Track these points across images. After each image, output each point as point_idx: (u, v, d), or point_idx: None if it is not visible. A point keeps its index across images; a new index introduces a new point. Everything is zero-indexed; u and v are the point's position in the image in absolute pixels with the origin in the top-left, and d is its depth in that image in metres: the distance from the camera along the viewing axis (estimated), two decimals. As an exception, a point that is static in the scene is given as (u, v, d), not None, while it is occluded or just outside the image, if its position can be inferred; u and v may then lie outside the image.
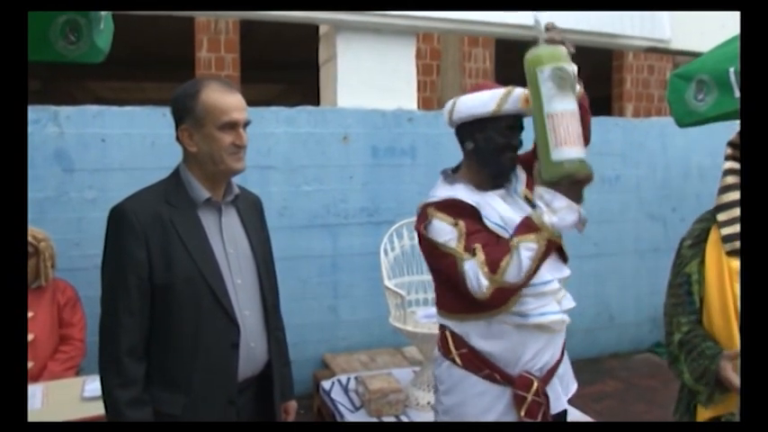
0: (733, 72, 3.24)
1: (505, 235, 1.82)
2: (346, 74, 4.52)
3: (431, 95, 6.48)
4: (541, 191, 1.75)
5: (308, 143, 4.28)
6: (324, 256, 4.36)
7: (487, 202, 1.88)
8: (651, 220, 5.31)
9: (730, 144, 2.00)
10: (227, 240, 1.77)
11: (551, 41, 1.79)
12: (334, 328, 4.44)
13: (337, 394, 3.79)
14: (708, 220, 2.02)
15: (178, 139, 1.74)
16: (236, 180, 1.85)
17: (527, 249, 1.73)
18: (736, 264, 1.89)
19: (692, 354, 1.84)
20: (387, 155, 4.47)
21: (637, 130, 5.38)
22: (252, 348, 1.77)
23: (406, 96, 4.61)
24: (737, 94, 3.18)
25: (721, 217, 1.96)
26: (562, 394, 1.97)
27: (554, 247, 1.80)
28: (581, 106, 1.78)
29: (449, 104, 1.95)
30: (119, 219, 1.67)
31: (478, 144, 1.90)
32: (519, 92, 1.87)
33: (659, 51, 5.50)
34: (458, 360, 1.90)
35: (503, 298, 1.78)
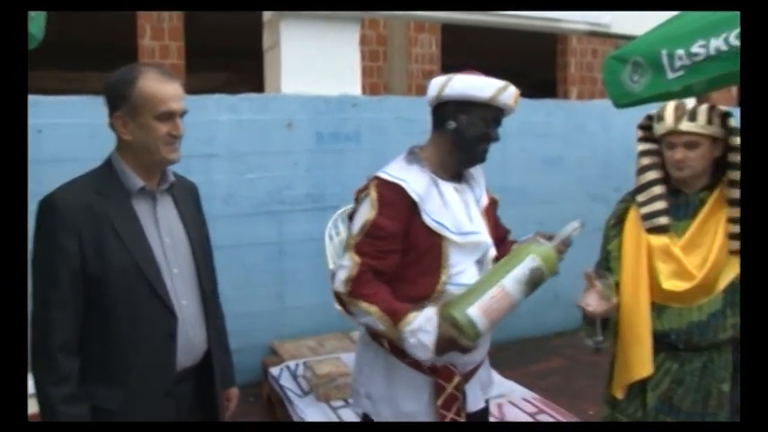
0: (665, 54, 3.30)
1: (443, 233, 1.82)
2: (290, 60, 4.51)
3: (378, 81, 6.48)
4: (431, 313, 1.73)
5: (251, 130, 4.26)
6: (269, 243, 4.35)
7: (439, 192, 1.87)
8: (593, 200, 5.42)
9: (641, 127, 2.13)
10: (163, 229, 1.74)
11: (558, 251, 1.83)
12: (282, 315, 4.45)
13: (286, 380, 3.81)
14: (628, 201, 2.14)
15: (111, 126, 1.70)
16: (178, 168, 1.82)
17: (374, 323, 1.77)
18: (654, 241, 2.01)
19: None
20: (331, 140, 4.48)
21: (578, 112, 5.49)
22: (190, 338, 1.76)
23: (350, 82, 4.62)
24: (669, 75, 3.24)
25: (640, 197, 2.08)
26: (481, 395, 2.01)
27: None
28: None
29: (442, 79, 1.91)
30: (48, 210, 1.63)
31: (460, 125, 1.87)
32: (512, 89, 1.89)
33: (599, 35, 5.61)
34: (385, 344, 1.90)
35: (341, 306, 1.86)
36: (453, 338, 1.66)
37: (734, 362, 2.05)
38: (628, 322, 2.06)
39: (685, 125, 1.97)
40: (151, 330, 1.67)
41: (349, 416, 3.30)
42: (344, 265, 1.80)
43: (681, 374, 2.04)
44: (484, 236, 1.91)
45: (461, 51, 8.38)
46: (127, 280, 1.63)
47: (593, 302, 1.89)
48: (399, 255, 1.82)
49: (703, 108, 2.00)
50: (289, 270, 4.39)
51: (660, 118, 2.05)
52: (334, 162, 4.47)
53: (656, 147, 2.10)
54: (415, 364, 1.87)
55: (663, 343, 2.04)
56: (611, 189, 5.50)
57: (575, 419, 3.41)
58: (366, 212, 1.82)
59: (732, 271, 2.00)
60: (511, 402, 3.60)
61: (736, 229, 1.97)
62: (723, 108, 2.02)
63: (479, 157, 1.93)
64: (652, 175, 2.08)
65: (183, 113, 1.71)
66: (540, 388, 4.22)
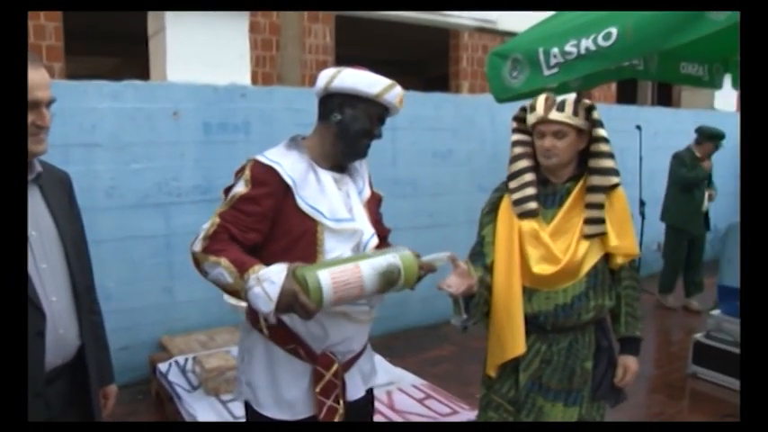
0: (542, 52, 3.48)
1: (318, 219, 1.83)
2: (176, 47, 4.39)
3: (270, 71, 6.42)
4: (282, 267, 1.67)
5: (136, 119, 4.12)
6: (157, 236, 4.24)
7: (316, 179, 1.88)
8: (482, 191, 5.53)
9: (515, 118, 2.25)
10: (30, 222, 1.65)
11: (420, 267, 1.83)
12: (171, 310, 4.35)
13: (174, 376, 3.73)
14: (502, 189, 2.27)
15: None
16: (56, 157, 1.74)
17: (222, 275, 1.72)
18: (525, 226, 2.15)
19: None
20: (219, 131, 4.39)
21: (467, 106, 5.65)
22: (61, 335, 1.69)
23: (239, 71, 4.56)
24: (545, 72, 3.43)
25: (512, 184, 2.21)
26: (362, 385, 2.03)
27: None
28: None
29: (331, 71, 1.91)
30: None
31: (345, 118, 1.90)
32: (399, 90, 1.92)
33: (486, 31, 5.79)
34: (265, 331, 1.91)
35: (197, 267, 1.82)
36: (297, 294, 1.61)
37: (596, 340, 2.23)
38: (501, 303, 2.18)
39: (554, 115, 2.10)
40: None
41: (239, 409, 3.28)
42: (204, 227, 1.81)
43: (549, 354, 2.18)
44: (362, 225, 1.92)
45: (355, 42, 8.43)
46: None
47: (455, 282, 1.96)
48: (261, 236, 1.82)
49: (570, 100, 2.12)
50: (178, 263, 4.27)
51: (532, 108, 2.16)
52: (223, 153, 4.38)
53: (528, 138, 2.22)
54: (295, 351, 1.88)
55: (533, 325, 2.17)
56: (499, 181, 5.72)
57: (461, 403, 3.54)
58: (238, 189, 1.83)
59: (594, 257, 2.15)
60: (400, 389, 3.70)
61: (591, 214, 2.12)
62: (588, 102, 2.15)
63: (361, 152, 1.97)
64: (523, 163, 2.21)
65: (50, 102, 1.62)
66: (432, 375, 4.34)
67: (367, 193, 2.02)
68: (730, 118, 8.25)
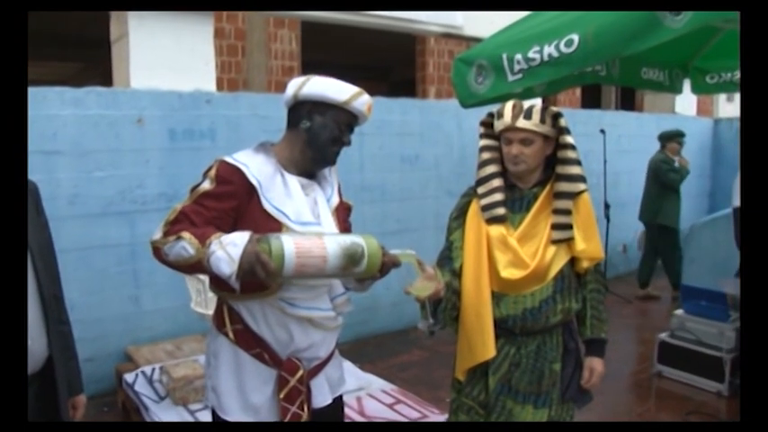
0: (506, 57, 3.51)
1: (283, 221, 1.84)
2: (140, 53, 4.35)
3: (236, 76, 6.38)
4: (246, 233, 1.70)
5: (99, 126, 4.07)
6: (121, 244, 4.19)
7: (283, 182, 1.89)
8: (450, 196, 5.64)
9: (483, 124, 2.28)
10: None
11: (386, 258, 1.83)
12: (138, 319, 4.30)
13: (141, 386, 3.70)
14: (470, 195, 2.30)
15: None
16: None
17: (183, 248, 1.72)
18: (493, 230, 2.18)
19: None
20: (185, 138, 4.37)
21: (434, 111, 5.70)
22: (29, 346, 1.69)
23: (204, 77, 4.55)
24: (510, 78, 3.45)
25: (480, 190, 2.24)
26: (329, 392, 2.03)
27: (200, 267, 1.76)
28: None
29: (300, 79, 1.94)
30: None
31: (314, 126, 1.92)
32: (367, 98, 1.95)
33: (452, 37, 5.85)
34: (231, 335, 1.91)
35: (157, 256, 1.81)
36: (259, 254, 1.63)
37: (563, 342, 2.26)
38: (471, 308, 2.20)
39: (521, 122, 2.13)
40: None
41: (208, 418, 3.25)
42: (165, 217, 1.81)
43: (518, 357, 2.21)
44: (327, 228, 1.91)
45: (321, 47, 8.44)
46: None
47: (421, 286, 1.95)
48: (220, 232, 1.78)
49: (537, 108, 2.16)
50: (143, 272, 4.24)
51: (500, 115, 2.19)
52: (189, 160, 4.34)
53: (495, 143, 2.25)
54: (260, 356, 1.89)
55: (501, 329, 2.20)
56: (466, 185, 5.78)
57: (432, 407, 3.57)
58: (202, 186, 1.84)
59: (560, 261, 2.18)
60: (369, 395, 3.72)
61: (559, 219, 2.16)
62: (555, 109, 2.19)
63: (329, 160, 1.98)
64: (491, 168, 2.24)
65: None
66: (401, 379, 4.37)
67: (335, 200, 2.03)
68: (691, 122, 8.46)
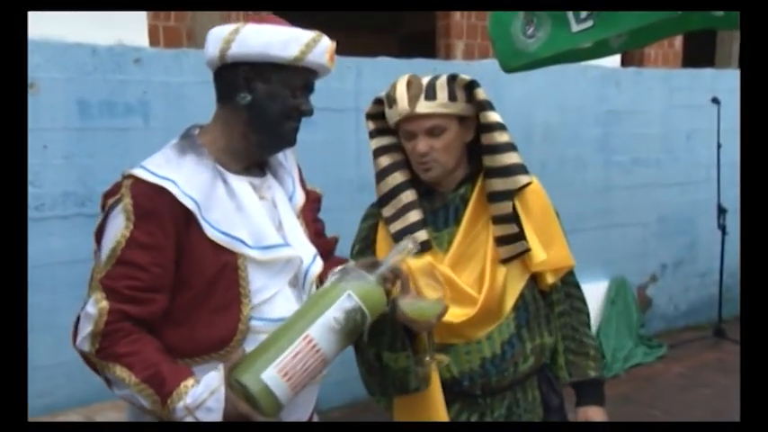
0: (569, 0, 3.39)
1: (237, 249, 1.73)
2: (35, -11, 3.73)
3: (176, 25, 5.78)
4: (215, 382, 1.60)
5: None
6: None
7: (227, 192, 1.78)
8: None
9: (369, 116, 2.14)
10: None
11: (384, 280, 1.76)
12: (30, 380, 3.53)
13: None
14: (374, 216, 2.19)
15: None
16: None
17: (133, 396, 1.63)
18: (414, 263, 2.00)
19: None
20: (103, 113, 3.89)
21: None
22: None
23: (130, 24, 4.15)
24: (575, 27, 3.02)
25: (386, 211, 2.10)
26: None
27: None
28: None
29: (223, 29, 1.79)
30: None
31: (258, 98, 1.77)
32: (327, 42, 1.84)
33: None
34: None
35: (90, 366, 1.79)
36: (247, 415, 1.59)
37: (543, 397, 2.17)
38: None
39: (423, 106, 1.99)
40: None
41: None
42: (89, 314, 1.69)
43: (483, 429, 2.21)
44: (299, 248, 1.85)
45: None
46: None
47: (426, 306, 1.93)
48: (168, 293, 1.73)
49: (442, 81, 2.02)
50: (36, 311, 3.64)
51: (392, 101, 2.04)
52: (109, 146, 3.90)
53: (394, 140, 2.15)
54: None
55: (455, 393, 2.08)
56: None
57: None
58: (117, 229, 1.70)
59: (518, 283, 2.08)
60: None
61: (503, 230, 2.03)
62: (466, 77, 2.03)
63: (287, 140, 1.87)
64: (397, 177, 2.11)
65: None
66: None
67: (300, 197, 1.97)
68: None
